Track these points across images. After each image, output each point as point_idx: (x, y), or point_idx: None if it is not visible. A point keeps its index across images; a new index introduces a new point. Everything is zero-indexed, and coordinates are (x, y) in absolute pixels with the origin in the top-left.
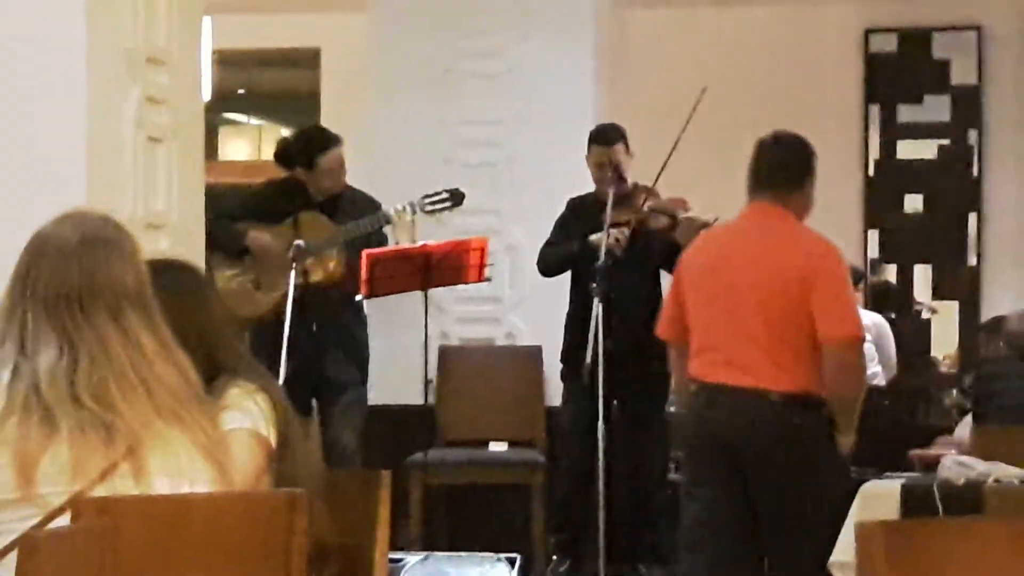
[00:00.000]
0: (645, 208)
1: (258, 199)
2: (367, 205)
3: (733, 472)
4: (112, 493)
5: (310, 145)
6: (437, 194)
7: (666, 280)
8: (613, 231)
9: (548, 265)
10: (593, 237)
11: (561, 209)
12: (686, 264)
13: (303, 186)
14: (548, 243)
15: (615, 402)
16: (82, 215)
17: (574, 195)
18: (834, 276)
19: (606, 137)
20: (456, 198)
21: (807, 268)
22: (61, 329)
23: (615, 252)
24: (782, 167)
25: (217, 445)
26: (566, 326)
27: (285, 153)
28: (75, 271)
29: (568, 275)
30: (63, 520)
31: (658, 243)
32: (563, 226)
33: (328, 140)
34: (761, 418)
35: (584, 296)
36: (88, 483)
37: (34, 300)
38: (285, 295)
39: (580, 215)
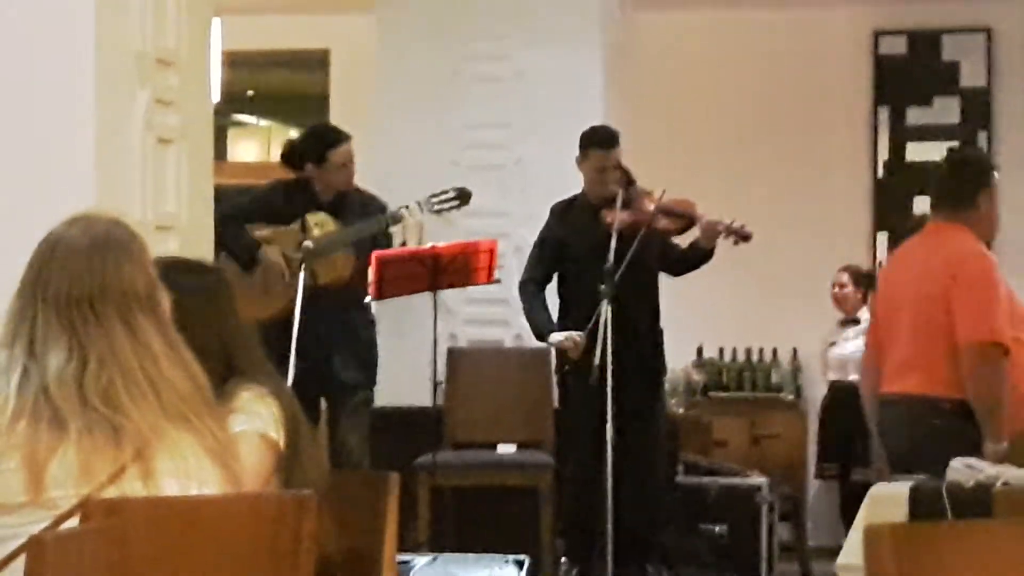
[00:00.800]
0: (653, 209)
1: (265, 200)
2: (373, 206)
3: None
4: (121, 496)
5: (321, 140)
6: (444, 193)
7: (664, 280)
8: (566, 337)
9: (522, 306)
10: (554, 339)
11: (535, 253)
12: (879, 277)
13: (310, 187)
14: (533, 260)
15: (616, 404)
16: (91, 217)
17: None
18: (972, 277)
19: (608, 140)
20: (463, 197)
21: (948, 272)
22: (71, 331)
23: (570, 355)
24: (950, 186)
25: (225, 447)
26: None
27: (292, 154)
28: (86, 273)
29: None
30: (72, 523)
31: (657, 245)
32: (547, 240)
33: (339, 136)
34: (903, 420)
35: (584, 300)
36: (97, 486)
37: (45, 302)
38: (293, 298)
39: (569, 220)
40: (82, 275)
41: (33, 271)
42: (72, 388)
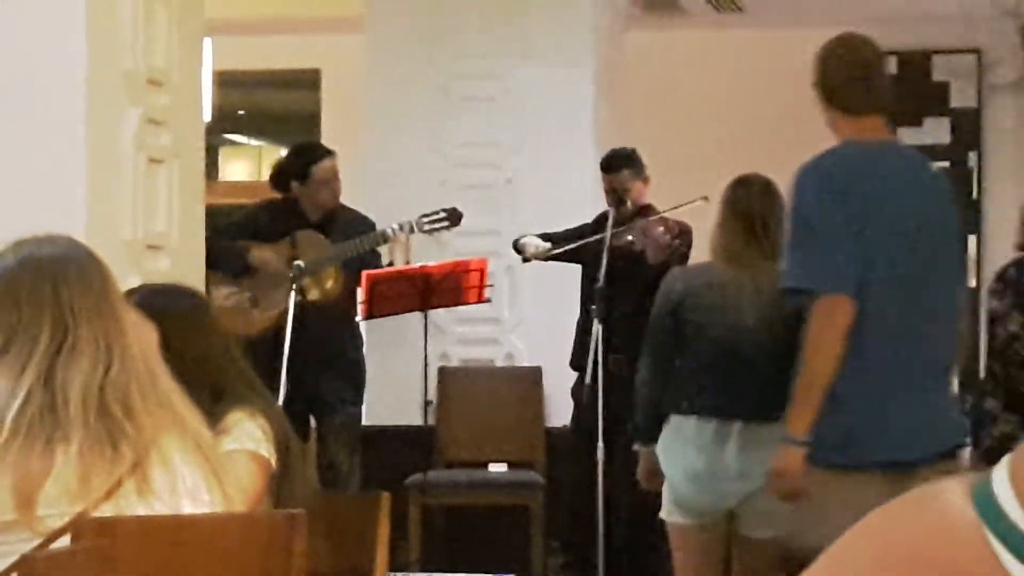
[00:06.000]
0: (634, 230)
1: (254, 219)
2: (362, 224)
3: None
4: (117, 510)
5: (303, 157)
6: (435, 213)
7: None
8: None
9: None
10: (513, 240)
11: (563, 228)
12: None
13: (297, 207)
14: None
15: (619, 424)
16: (54, 236)
17: (579, 215)
18: None
19: (609, 164)
20: (454, 218)
21: None
22: (103, 338)
23: (527, 256)
24: None
25: (219, 465)
26: (576, 344)
27: (278, 175)
28: (104, 284)
29: (573, 296)
30: (63, 541)
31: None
32: (579, 228)
33: (321, 151)
34: None
35: (583, 311)
36: (92, 502)
37: (75, 318)
38: (281, 314)
39: (595, 228)
40: (101, 286)
41: (48, 292)
42: (94, 395)
